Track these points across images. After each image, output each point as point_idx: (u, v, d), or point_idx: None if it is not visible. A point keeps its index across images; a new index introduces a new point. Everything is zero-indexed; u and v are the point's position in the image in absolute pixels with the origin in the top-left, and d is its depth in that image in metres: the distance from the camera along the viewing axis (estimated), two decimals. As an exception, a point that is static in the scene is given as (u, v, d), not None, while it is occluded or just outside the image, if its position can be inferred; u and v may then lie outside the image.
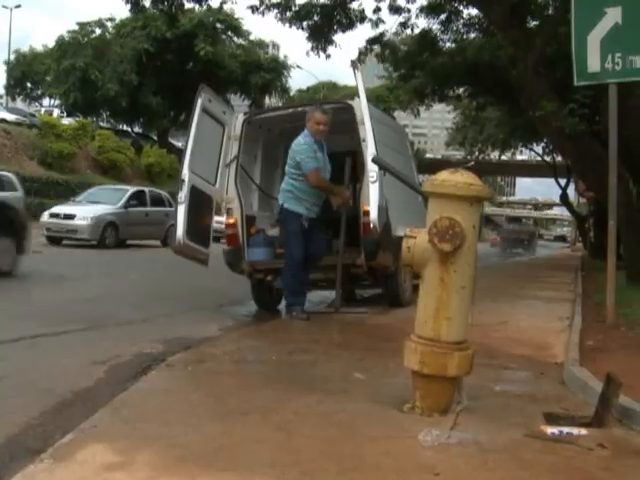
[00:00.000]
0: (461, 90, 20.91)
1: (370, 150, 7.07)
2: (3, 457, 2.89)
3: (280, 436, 2.93)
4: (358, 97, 7.33)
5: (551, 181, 39.21)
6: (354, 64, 7.59)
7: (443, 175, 3.25)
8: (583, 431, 3.09)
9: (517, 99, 14.60)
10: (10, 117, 34.68)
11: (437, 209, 3.23)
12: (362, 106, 7.19)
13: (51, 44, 44.72)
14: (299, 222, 6.74)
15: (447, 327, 3.23)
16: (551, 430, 3.10)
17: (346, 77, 55.86)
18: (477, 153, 35.19)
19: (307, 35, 14.95)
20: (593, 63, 6.27)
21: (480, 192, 3.23)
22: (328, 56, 14.99)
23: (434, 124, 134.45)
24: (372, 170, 6.92)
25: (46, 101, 52.45)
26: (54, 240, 17.82)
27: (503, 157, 40.24)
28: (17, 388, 4.03)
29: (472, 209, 3.22)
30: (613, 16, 6.14)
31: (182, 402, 3.53)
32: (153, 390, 3.79)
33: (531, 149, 35.04)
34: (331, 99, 18.50)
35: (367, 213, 7.04)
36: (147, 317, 6.94)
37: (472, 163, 39.37)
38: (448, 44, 17.67)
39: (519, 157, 49.54)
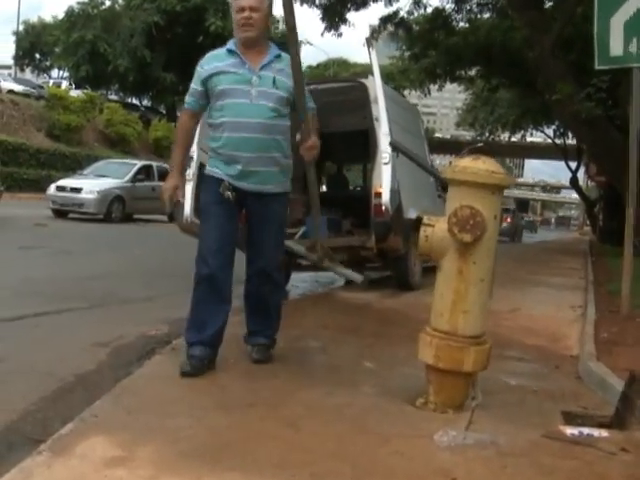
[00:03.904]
0: (473, 71, 20.67)
1: (383, 130, 6.90)
2: (0, 447, 2.78)
3: (289, 432, 2.81)
4: (372, 75, 7.15)
5: (559, 164, 38.97)
6: (369, 42, 7.39)
7: (464, 162, 3.10)
8: (604, 433, 2.96)
9: (530, 81, 14.41)
10: (18, 88, 34.45)
11: (457, 197, 3.08)
12: (376, 84, 7.00)
13: (61, 15, 44.39)
14: (216, 191, 3.84)
15: (464, 320, 3.10)
16: (570, 431, 2.97)
17: (357, 54, 55.55)
18: (487, 134, 34.88)
19: (320, 15, 14.75)
20: (616, 47, 6.07)
21: (502, 180, 3.08)
22: (340, 35, 14.79)
23: (444, 103, 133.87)
24: (385, 151, 6.76)
25: (55, 72, 52.24)
26: (60, 213, 17.72)
27: (513, 139, 39.90)
28: (17, 371, 3.91)
29: (494, 198, 3.07)
30: (638, -1, 5.95)
31: (186, 390, 3.41)
32: (157, 376, 3.67)
33: (542, 131, 34.68)
34: (343, 76, 18.25)
35: (379, 195, 6.88)
36: (151, 295, 6.82)
37: (481, 144, 39.06)
38: (461, 24, 17.44)
39: (529, 139, 49.16)
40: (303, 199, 9.37)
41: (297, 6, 14.19)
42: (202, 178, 4.02)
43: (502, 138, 38.09)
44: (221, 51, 3.97)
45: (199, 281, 3.82)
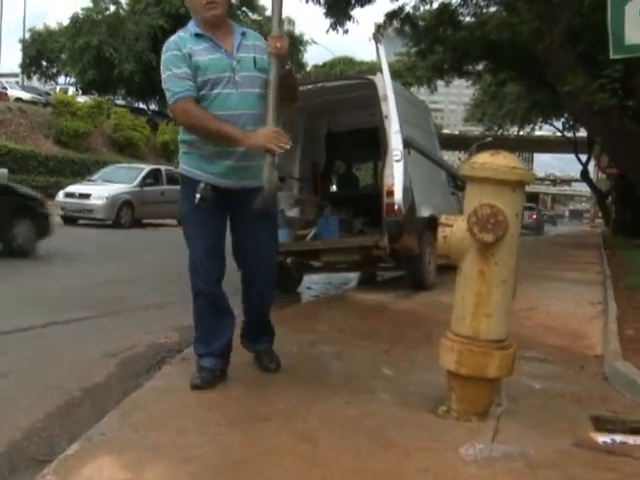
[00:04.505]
0: (481, 66, 20.47)
1: (394, 127, 6.76)
2: (3, 469, 2.65)
3: (305, 447, 2.66)
4: (380, 72, 7.00)
5: (569, 157, 38.70)
6: (376, 37, 7.24)
7: (483, 157, 2.94)
8: (639, 440, 2.80)
9: (539, 73, 14.20)
10: (26, 96, 34.43)
11: (476, 195, 2.92)
12: (385, 81, 6.85)
13: (66, 22, 44.38)
14: (194, 195, 3.45)
15: (487, 324, 2.94)
16: (602, 439, 2.81)
17: (363, 52, 55.17)
18: (496, 129, 34.65)
19: (324, 11, 14.55)
20: (631, 35, 5.89)
21: (524, 176, 2.92)
22: (346, 31, 14.60)
23: (451, 99, 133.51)
24: (396, 149, 6.61)
25: (62, 79, 52.24)
26: (69, 220, 17.65)
27: (521, 133, 39.63)
28: (22, 386, 3.80)
29: (515, 195, 2.91)
30: (653, -15, 5.77)
31: (197, 404, 3.27)
32: (166, 389, 3.53)
33: (551, 124, 34.40)
34: (350, 74, 18.03)
35: (391, 193, 6.73)
36: (162, 302, 6.68)
37: (490, 139, 38.94)
38: (468, 18, 17.24)
39: (537, 133, 48.84)
40: (314, 200, 9.25)
41: (302, 3, 14.03)
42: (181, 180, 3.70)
43: (511, 132, 37.82)
44: (185, 35, 3.49)
45: (197, 294, 3.63)
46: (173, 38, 3.51)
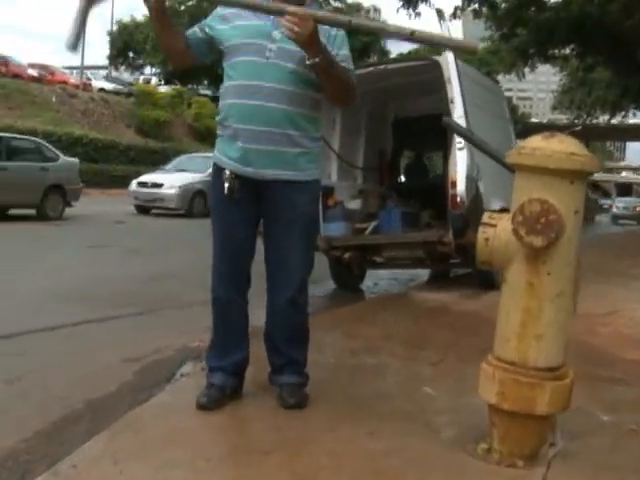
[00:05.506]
0: (567, 50, 19.42)
1: (458, 112, 6.19)
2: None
3: (302, 495, 2.19)
4: (445, 52, 6.42)
5: (666, 145, 36.73)
6: (440, 14, 6.65)
7: (534, 141, 2.37)
8: None
9: (629, 55, 13.25)
10: (109, 86, 35.15)
11: (525, 188, 2.37)
12: (449, 62, 6.27)
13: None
14: (218, 184, 3.05)
15: (537, 348, 2.38)
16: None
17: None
18: (585, 116, 33.20)
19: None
20: None
21: (585, 164, 2.34)
22: (418, 14, 13.88)
23: (540, 87, 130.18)
24: (460, 136, 6.02)
25: (148, 70, 53.16)
26: (142, 209, 17.61)
27: (613, 121, 37.87)
28: (26, 395, 3.47)
29: (574, 188, 2.34)
30: None
31: (197, 429, 2.82)
32: (171, 406, 3.11)
33: (645, 111, 32.75)
34: (416, 55, 17.19)
35: (454, 184, 6.17)
36: (209, 300, 6.31)
37: (579, 127, 37.40)
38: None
39: (631, 121, 46.74)
40: (379, 191, 8.72)
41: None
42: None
43: (601, 120, 36.18)
44: None
45: (214, 299, 3.17)
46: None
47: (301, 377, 3.15)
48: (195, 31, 3.11)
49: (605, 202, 40.34)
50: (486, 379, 2.46)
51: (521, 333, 2.39)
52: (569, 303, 2.42)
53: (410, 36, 2.63)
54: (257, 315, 3.31)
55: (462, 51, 2.71)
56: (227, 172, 3.00)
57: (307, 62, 2.79)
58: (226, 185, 2.99)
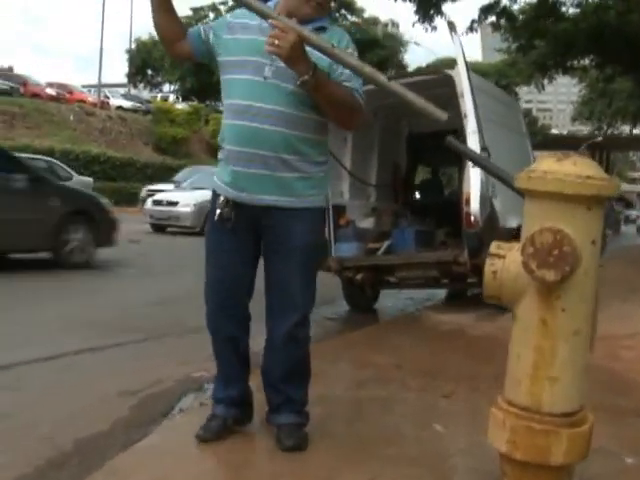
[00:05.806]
0: (586, 61, 19.14)
1: (471, 127, 5.99)
2: None
3: None
4: (457, 65, 6.23)
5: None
6: (451, 26, 6.45)
7: (545, 164, 2.15)
8: None
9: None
10: (126, 104, 35.28)
11: (536, 216, 2.15)
12: (461, 75, 6.07)
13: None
14: (213, 214, 2.88)
15: (551, 391, 2.15)
16: None
17: (467, 54, 53.73)
18: (605, 127, 32.83)
19: (415, 8, 13.79)
20: None
21: (602, 188, 2.11)
22: (434, 28, 13.77)
23: (559, 98, 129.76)
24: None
25: (166, 87, 53.48)
26: (158, 228, 17.50)
27: (635, 131, 37.44)
28: (12, 435, 3.25)
29: (590, 215, 2.11)
30: None
31: (190, 471, 2.62)
32: (162, 448, 2.92)
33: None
34: (429, 68, 16.96)
35: (468, 202, 5.97)
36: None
37: (600, 138, 36.98)
38: (571, 10, 16.03)
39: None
40: (392, 208, 8.51)
41: (391, 1, 13.31)
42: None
43: (621, 131, 35.78)
44: None
45: (209, 330, 3.01)
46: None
47: (300, 417, 2.94)
48: (198, 28, 2.95)
49: (631, 213, 39.86)
50: (496, 425, 2.24)
51: (533, 375, 2.16)
52: (586, 342, 2.20)
53: (381, 84, 2.56)
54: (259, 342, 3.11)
55: (429, 116, 2.53)
56: (221, 198, 2.83)
57: (297, 82, 2.60)
58: (217, 211, 2.81)
